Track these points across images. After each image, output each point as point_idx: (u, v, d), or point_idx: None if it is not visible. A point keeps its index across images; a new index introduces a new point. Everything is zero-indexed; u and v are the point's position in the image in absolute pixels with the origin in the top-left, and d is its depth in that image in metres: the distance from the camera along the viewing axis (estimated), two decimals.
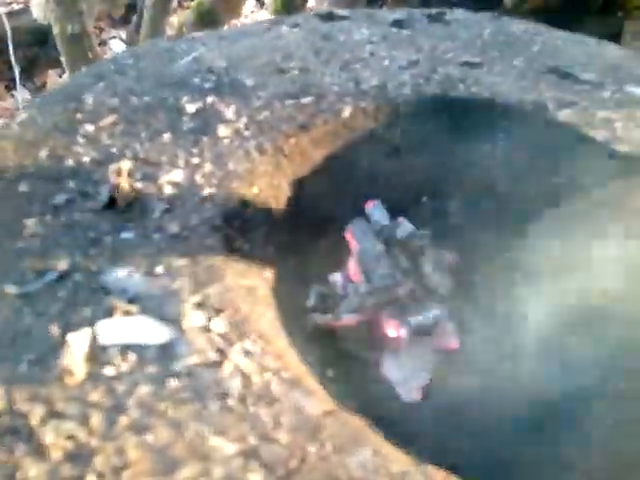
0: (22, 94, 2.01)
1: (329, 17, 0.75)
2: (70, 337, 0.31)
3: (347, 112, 0.56)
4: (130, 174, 0.44)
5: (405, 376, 0.43)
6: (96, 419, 0.29)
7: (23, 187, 0.43)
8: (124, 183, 0.42)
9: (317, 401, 0.31)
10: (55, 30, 1.64)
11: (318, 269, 0.49)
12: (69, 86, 0.56)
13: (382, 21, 0.74)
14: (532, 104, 0.58)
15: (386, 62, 0.64)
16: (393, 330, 0.44)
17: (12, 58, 1.98)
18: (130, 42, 2.32)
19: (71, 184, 0.44)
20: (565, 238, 0.46)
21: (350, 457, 0.29)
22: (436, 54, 0.66)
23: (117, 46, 2.51)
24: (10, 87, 2.02)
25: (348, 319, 0.45)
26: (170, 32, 2.44)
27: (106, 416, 0.29)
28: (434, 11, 0.76)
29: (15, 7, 2.31)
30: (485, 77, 0.62)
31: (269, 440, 0.29)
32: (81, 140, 0.48)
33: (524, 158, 0.54)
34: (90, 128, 0.49)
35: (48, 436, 0.28)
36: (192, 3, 2.50)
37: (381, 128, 0.57)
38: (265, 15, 3.00)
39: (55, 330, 0.33)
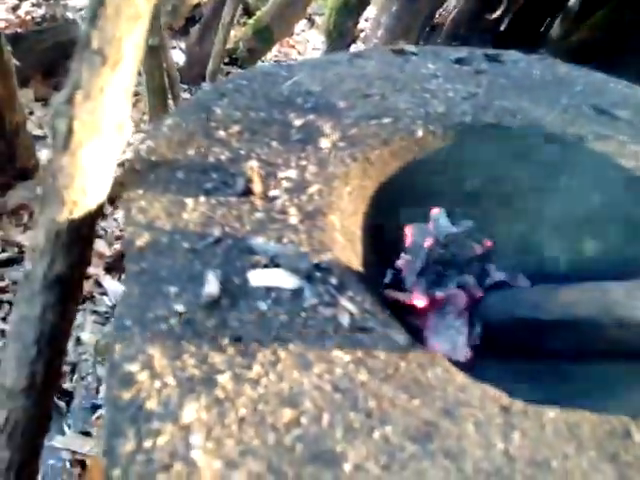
0: None
1: (400, 52, 0.89)
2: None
3: (420, 132, 0.69)
4: (259, 171, 0.58)
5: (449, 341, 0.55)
6: (255, 332, 0.43)
7: (180, 175, 0.57)
8: (255, 176, 0.56)
9: (404, 336, 0.44)
10: None
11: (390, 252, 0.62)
12: (199, 100, 0.71)
13: (446, 58, 0.87)
14: (572, 135, 0.70)
15: (450, 93, 0.77)
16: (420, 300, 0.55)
17: None
18: (190, 53, 2.51)
19: (214, 175, 0.58)
20: None
21: (428, 371, 0.42)
22: (493, 88, 0.79)
23: (177, 56, 2.71)
24: None
25: (416, 298, 0.57)
26: (227, 46, 2.63)
27: (261, 331, 0.43)
28: (491, 51, 0.89)
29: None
30: (533, 111, 0.74)
31: (372, 356, 0.42)
32: (217, 143, 0.62)
33: (558, 177, 0.67)
34: (222, 134, 0.64)
35: (224, 340, 0.42)
36: (249, 20, 2.69)
37: (446, 147, 0.70)
38: (315, 34, 3.16)
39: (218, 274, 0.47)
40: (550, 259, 0.65)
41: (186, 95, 2.43)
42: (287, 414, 0.38)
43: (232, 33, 2.66)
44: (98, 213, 0.52)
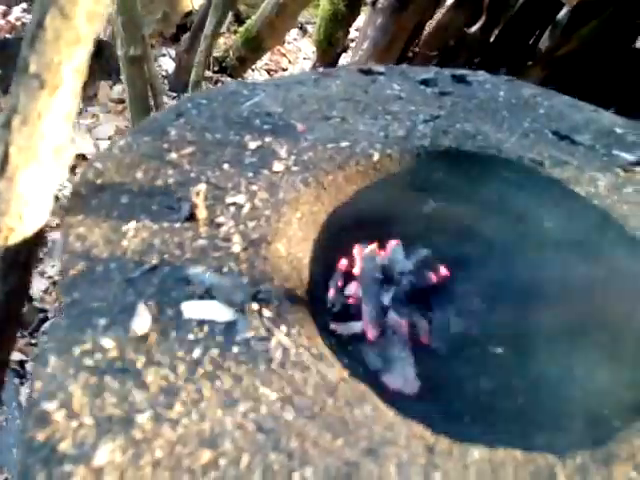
0: None
1: (368, 72, 0.88)
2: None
3: (376, 156, 0.69)
4: (205, 195, 0.57)
5: (399, 375, 0.54)
6: (182, 368, 0.42)
7: (124, 199, 0.57)
8: (200, 202, 0.56)
9: (336, 371, 0.44)
10: (119, 51, 1.83)
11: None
12: (156, 120, 0.70)
13: (412, 78, 0.87)
14: (530, 161, 0.70)
15: (412, 116, 0.77)
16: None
17: None
18: (179, 60, 2.51)
19: (160, 199, 0.57)
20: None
21: (356, 409, 0.41)
22: (455, 111, 0.79)
23: (166, 63, 2.71)
24: None
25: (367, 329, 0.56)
26: (217, 53, 2.63)
27: (188, 367, 0.42)
28: (458, 72, 0.89)
29: None
30: (494, 134, 0.74)
31: (300, 393, 0.42)
32: (167, 165, 0.62)
33: (513, 203, 0.66)
34: (174, 156, 0.63)
35: (149, 377, 0.41)
36: (240, 28, 2.70)
37: (403, 172, 0.69)
38: (306, 43, 3.18)
39: (152, 305, 0.46)
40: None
41: (174, 102, 2.43)
42: (205, 456, 0.37)
43: (222, 41, 2.66)
44: (37, 240, 0.51)
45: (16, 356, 1.19)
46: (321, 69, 0.93)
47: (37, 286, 1.41)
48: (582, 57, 1.97)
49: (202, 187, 0.58)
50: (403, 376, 0.54)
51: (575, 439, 0.43)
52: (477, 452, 0.40)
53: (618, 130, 0.77)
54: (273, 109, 0.75)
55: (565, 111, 0.81)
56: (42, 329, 1.32)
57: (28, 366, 1.19)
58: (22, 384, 1.14)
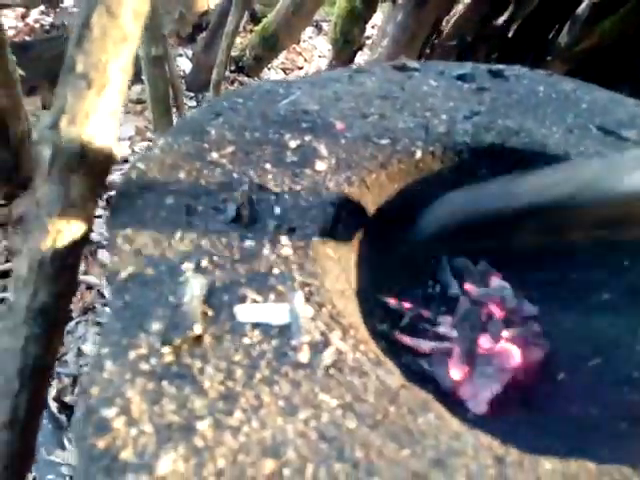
0: None
1: (402, 68, 0.87)
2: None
3: (419, 154, 0.67)
4: (249, 195, 0.56)
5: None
6: (239, 373, 0.41)
7: (169, 200, 0.56)
8: (246, 202, 0.55)
9: (396, 377, 0.42)
10: (140, 52, 1.83)
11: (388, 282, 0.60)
12: (194, 120, 0.69)
13: (448, 74, 0.85)
14: (577, 156, 0.68)
15: (452, 112, 0.75)
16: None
17: None
18: (197, 60, 2.51)
19: (205, 200, 0.56)
20: None
21: (419, 417, 0.40)
22: (496, 107, 0.77)
23: (183, 63, 2.71)
24: None
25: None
26: (233, 53, 2.62)
27: (246, 372, 0.41)
28: (494, 67, 0.87)
29: None
30: (537, 130, 0.72)
31: (360, 400, 0.40)
32: (209, 165, 0.61)
33: None
34: (215, 155, 0.62)
35: (206, 382, 0.40)
36: (256, 27, 2.69)
37: (446, 169, 0.68)
38: (322, 41, 3.16)
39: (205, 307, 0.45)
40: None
41: (192, 103, 2.43)
42: (269, 465, 0.36)
43: (238, 40, 2.65)
44: (84, 242, 0.51)
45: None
46: (353, 66, 0.92)
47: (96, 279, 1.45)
48: (603, 52, 1.93)
49: (246, 187, 0.57)
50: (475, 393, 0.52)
51: None
52: (549, 463, 0.38)
53: None
54: (310, 107, 0.73)
55: (608, 105, 0.79)
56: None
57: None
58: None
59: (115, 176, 1.52)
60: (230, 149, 0.64)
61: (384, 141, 0.68)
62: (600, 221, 0.42)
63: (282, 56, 2.83)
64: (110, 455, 0.35)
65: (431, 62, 0.91)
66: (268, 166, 0.62)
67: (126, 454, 0.35)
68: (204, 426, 0.37)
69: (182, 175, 0.59)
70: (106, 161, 0.51)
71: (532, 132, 0.71)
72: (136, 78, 2.28)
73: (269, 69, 2.75)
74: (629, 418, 0.48)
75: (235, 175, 0.60)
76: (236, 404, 0.39)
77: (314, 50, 3.10)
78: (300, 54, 3.05)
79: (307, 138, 0.67)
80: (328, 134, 0.69)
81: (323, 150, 0.66)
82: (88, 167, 0.49)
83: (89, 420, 0.37)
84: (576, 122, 0.74)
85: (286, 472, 0.36)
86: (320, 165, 0.63)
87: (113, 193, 0.57)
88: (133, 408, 0.38)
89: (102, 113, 0.49)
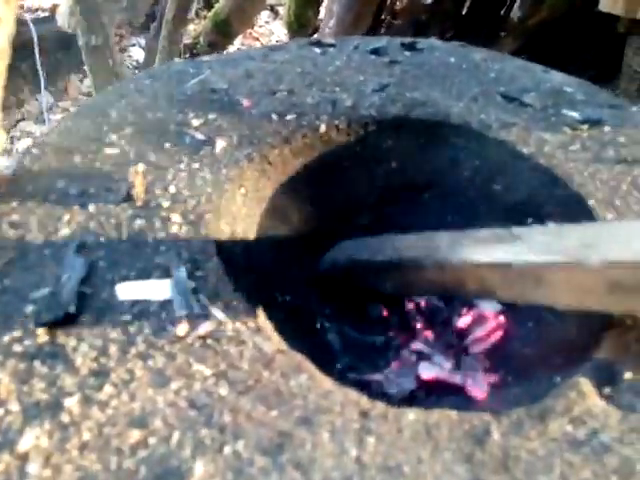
0: (46, 98, 2.16)
1: (318, 44, 0.87)
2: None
3: (323, 128, 0.68)
4: (143, 175, 0.56)
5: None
6: (114, 349, 0.41)
7: (61, 184, 0.55)
8: (138, 182, 0.55)
9: (272, 343, 0.43)
10: (80, 41, 1.79)
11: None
12: (97, 103, 0.68)
13: (363, 49, 0.85)
14: (478, 124, 0.69)
15: (361, 86, 0.76)
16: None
17: (38, 63, 2.13)
18: (149, 49, 2.46)
19: (98, 182, 0.56)
20: None
21: (291, 379, 0.41)
22: (405, 79, 0.78)
23: (136, 53, 2.65)
24: (34, 91, 2.17)
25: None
26: (187, 40, 2.58)
27: (121, 348, 0.42)
28: (408, 40, 0.87)
29: (41, 14, 2.47)
30: (442, 100, 0.73)
31: (235, 367, 0.41)
32: (106, 147, 0.60)
33: (461, 168, 0.66)
34: (113, 137, 0.62)
35: (79, 360, 0.41)
36: (209, 13, 2.64)
37: (351, 142, 0.69)
38: (279, 26, 3.13)
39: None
40: None
41: None
42: (134, 435, 0.37)
43: (192, 27, 2.60)
44: None
45: None
46: (271, 44, 0.91)
47: None
48: (553, 25, 1.96)
49: (140, 167, 0.57)
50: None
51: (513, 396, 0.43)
52: (412, 414, 0.40)
53: (568, 89, 0.77)
54: (219, 85, 0.73)
55: (515, 73, 0.80)
56: None
57: None
58: None
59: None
60: (129, 130, 0.63)
61: (289, 116, 0.69)
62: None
63: (238, 42, 2.79)
64: None
65: (348, 38, 0.91)
66: (167, 145, 0.62)
67: None
68: (72, 402, 0.38)
69: (77, 158, 0.59)
70: None
71: (437, 102, 0.73)
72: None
73: None
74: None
75: (132, 156, 0.60)
76: (107, 379, 0.39)
77: (271, 35, 3.06)
78: (257, 39, 3.00)
79: (211, 116, 0.67)
80: (233, 112, 0.69)
81: (226, 128, 0.66)
82: None
83: None
84: (481, 90, 0.76)
85: (152, 441, 0.36)
86: (221, 143, 0.63)
87: None
88: (1, 389, 0.38)
89: None
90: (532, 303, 0.44)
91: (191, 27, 2.57)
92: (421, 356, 0.55)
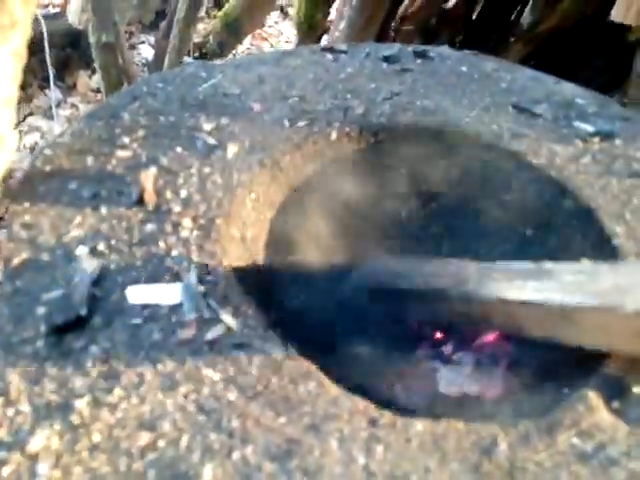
0: (55, 93, 2.17)
1: (330, 50, 0.87)
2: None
3: (334, 135, 0.68)
4: (154, 179, 0.56)
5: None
6: (124, 352, 0.42)
7: (73, 185, 0.56)
8: (149, 186, 0.55)
9: (281, 349, 0.43)
10: (91, 39, 1.80)
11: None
12: (109, 105, 0.69)
13: (374, 56, 0.86)
14: (490, 134, 0.69)
15: (372, 94, 0.76)
16: None
17: (47, 59, 2.15)
18: (158, 47, 2.47)
19: (110, 185, 0.56)
20: None
21: (300, 386, 0.41)
22: (416, 87, 0.78)
23: (145, 51, 2.66)
24: (43, 86, 2.18)
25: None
26: (197, 39, 2.59)
27: (131, 351, 0.42)
28: (419, 48, 0.88)
29: (51, 10, 2.48)
30: (454, 109, 0.73)
31: (244, 373, 0.42)
32: (118, 150, 0.61)
33: (472, 177, 0.66)
34: (126, 140, 0.62)
35: (89, 362, 0.41)
36: (219, 13, 2.65)
37: (361, 149, 0.69)
38: (288, 26, 3.13)
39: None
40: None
41: None
42: (144, 438, 0.37)
43: (201, 27, 2.61)
44: None
45: None
46: (282, 49, 0.92)
47: None
48: (563, 33, 1.96)
49: (152, 171, 0.57)
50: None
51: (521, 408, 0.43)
52: (420, 424, 0.40)
53: (579, 101, 0.77)
54: (231, 90, 0.74)
55: (527, 84, 0.80)
56: None
57: None
58: None
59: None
60: (142, 133, 0.64)
61: (301, 123, 0.69)
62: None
63: (247, 42, 2.80)
64: None
65: (360, 44, 0.92)
66: (179, 149, 0.62)
67: (0, 433, 0.36)
68: (82, 404, 0.38)
69: (89, 160, 0.59)
70: (1, 148, 0.51)
71: (448, 111, 0.73)
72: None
73: (234, 56, 2.72)
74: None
75: (143, 159, 0.60)
76: (117, 382, 0.40)
77: (280, 36, 3.07)
78: (266, 40, 3.01)
79: (223, 121, 0.68)
80: (245, 117, 0.69)
81: (238, 133, 0.66)
82: None
83: None
84: (493, 101, 0.76)
85: (161, 444, 0.37)
86: (232, 148, 0.63)
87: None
88: (12, 389, 0.38)
89: None
90: (560, 341, 0.44)
91: (201, 26, 2.58)
92: (441, 358, 0.56)
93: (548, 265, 0.45)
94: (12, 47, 0.50)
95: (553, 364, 0.51)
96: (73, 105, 2.18)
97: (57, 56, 2.20)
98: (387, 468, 0.37)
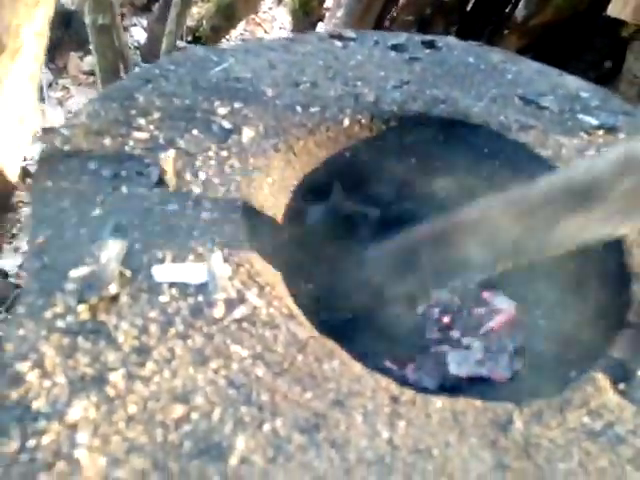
0: (45, 75, 2.14)
1: (339, 37, 0.88)
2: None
3: (347, 122, 0.69)
4: (174, 161, 0.57)
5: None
6: (154, 328, 0.43)
7: (92, 165, 0.56)
8: (169, 168, 0.56)
9: (305, 329, 0.45)
10: (87, 20, 1.77)
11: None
12: (123, 86, 0.69)
13: (383, 44, 0.87)
14: (498, 125, 0.71)
15: (382, 82, 0.77)
16: None
17: None
18: (150, 31, 2.44)
19: (129, 165, 0.57)
20: None
21: (324, 364, 0.43)
22: (425, 76, 0.79)
23: (138, 33, 2.63)
24: None
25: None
26: (190, 23, 2.56)
27: (160, 327, 0.43)
28: (428, 38, 0.89)
29: None
30: (462, 99, 0.75)
31: (270, 350, 0.43)
32: (135, 131, 0.61)
33: (480, 167, 0.68)
34: (142, 122, 0.63)
35: (120, 337, 0.42)
36: None
37: (373, 137, 0.70)
38: (282, 12, 3.11)
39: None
40: None
41: None
42: (178, 411, 0.38)
43: (195, 10, 2.58)
44: (4, 207, 0.51)
45: None
46: (292, 35, 0.92)
47: (12, 262, 1.38)
48: (558, 26, 1.97)
49: (171, 153, 0.58)
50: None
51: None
52: (439, 402, 0.42)
53: (583, 94, 0.79)
54: (243, 74, 0.74)
55: (532, 76, 0.82)
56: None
57: None
58: None
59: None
60: (157, 115, 0.64)
61: (313, 109, 0.70)
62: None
63: (241, 27, 2.77)
64: (23, 405, 0.37)
65: (367, 32, 0.93)
66: (195, 132, 0.63)
67: (38, 404, 0.37)
68: (117, 377, 0.39)
69: (107, 141, 0.60)
70: (23, 127, 0.51)
71: (457, 101, 0.74)
72: (88, 49, 2.21)
73: (228, 40, 2.69)
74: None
75: (161, 141, 0.61)
76: (149, 357, 0.41)
77: (274, 21, 3.04)
78: (260, 25, 2.98)
79: (237, 105, 0.68)
80: (258, 101, 0.70)
81: (252, 117, 0.67)
82: None
83: (3, 374, 0.38)
84: (500, 92, 0.78)
85: (194, 416, 0.38)
86: (248, 132, 0.64)
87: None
88: (47, 362, 0.39)
89: (17, 78, 0.49)
90: None
91: (194, 10, 2.55)
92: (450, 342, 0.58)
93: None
94: (36, 26, 0.50)
95: (560, 348, 0.53)
96: (64, 87, 2.14)
97: (48, 37, 2.17)
98: (410, 442, 0.39)
